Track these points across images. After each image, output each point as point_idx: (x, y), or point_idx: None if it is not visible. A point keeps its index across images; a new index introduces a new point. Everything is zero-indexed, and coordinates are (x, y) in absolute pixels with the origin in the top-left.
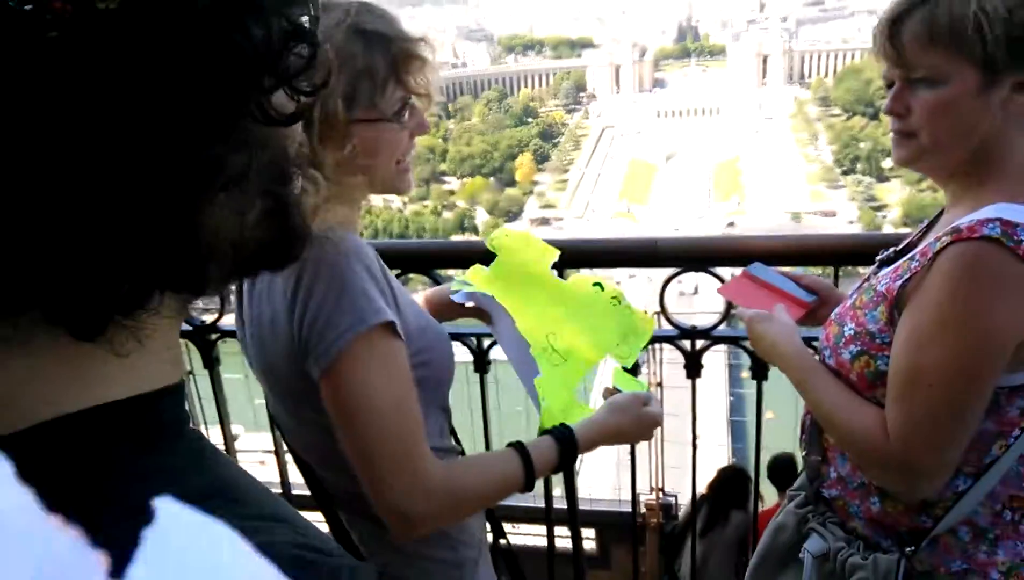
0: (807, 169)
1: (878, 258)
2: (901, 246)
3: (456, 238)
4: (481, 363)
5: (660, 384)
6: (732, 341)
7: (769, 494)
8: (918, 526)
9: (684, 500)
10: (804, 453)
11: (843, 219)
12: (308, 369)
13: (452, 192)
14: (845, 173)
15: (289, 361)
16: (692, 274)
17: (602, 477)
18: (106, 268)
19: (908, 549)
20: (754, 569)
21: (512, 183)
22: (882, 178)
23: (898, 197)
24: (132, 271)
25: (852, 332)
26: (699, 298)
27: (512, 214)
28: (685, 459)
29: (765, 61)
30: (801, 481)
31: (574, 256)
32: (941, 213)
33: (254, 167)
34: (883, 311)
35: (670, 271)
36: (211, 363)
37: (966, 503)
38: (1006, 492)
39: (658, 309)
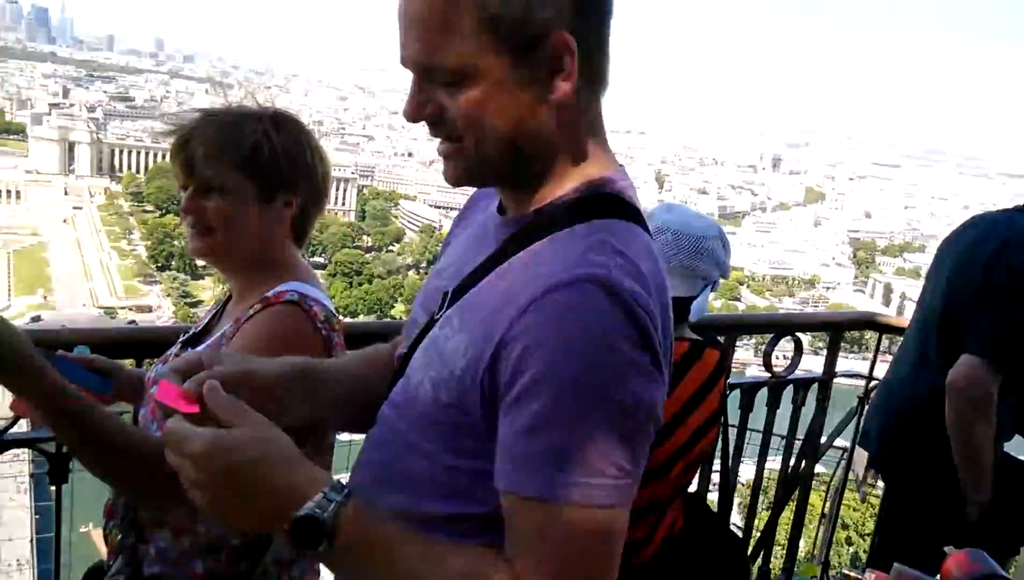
0: (121, 263)
1: (181, 340)
2: (200, 327)
3: None
4: None
5: None
6: (27, 444)
7: None
8: (238, 572)
9: None
10: (119, 538)
11: (160, 314)
12: None
13: None
14: (161, 269)
15: None
16: None
17: None
18: None
19: None
20: None
21: None
22: (196, 276)
23: (211, 294)
24: None
25: None
26: None
27: None
28: None
29: (72, 148)
30: (119, 565)
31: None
32: (229, 300)
33: None
34: None
35: None
36: None
37: None
38: None
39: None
